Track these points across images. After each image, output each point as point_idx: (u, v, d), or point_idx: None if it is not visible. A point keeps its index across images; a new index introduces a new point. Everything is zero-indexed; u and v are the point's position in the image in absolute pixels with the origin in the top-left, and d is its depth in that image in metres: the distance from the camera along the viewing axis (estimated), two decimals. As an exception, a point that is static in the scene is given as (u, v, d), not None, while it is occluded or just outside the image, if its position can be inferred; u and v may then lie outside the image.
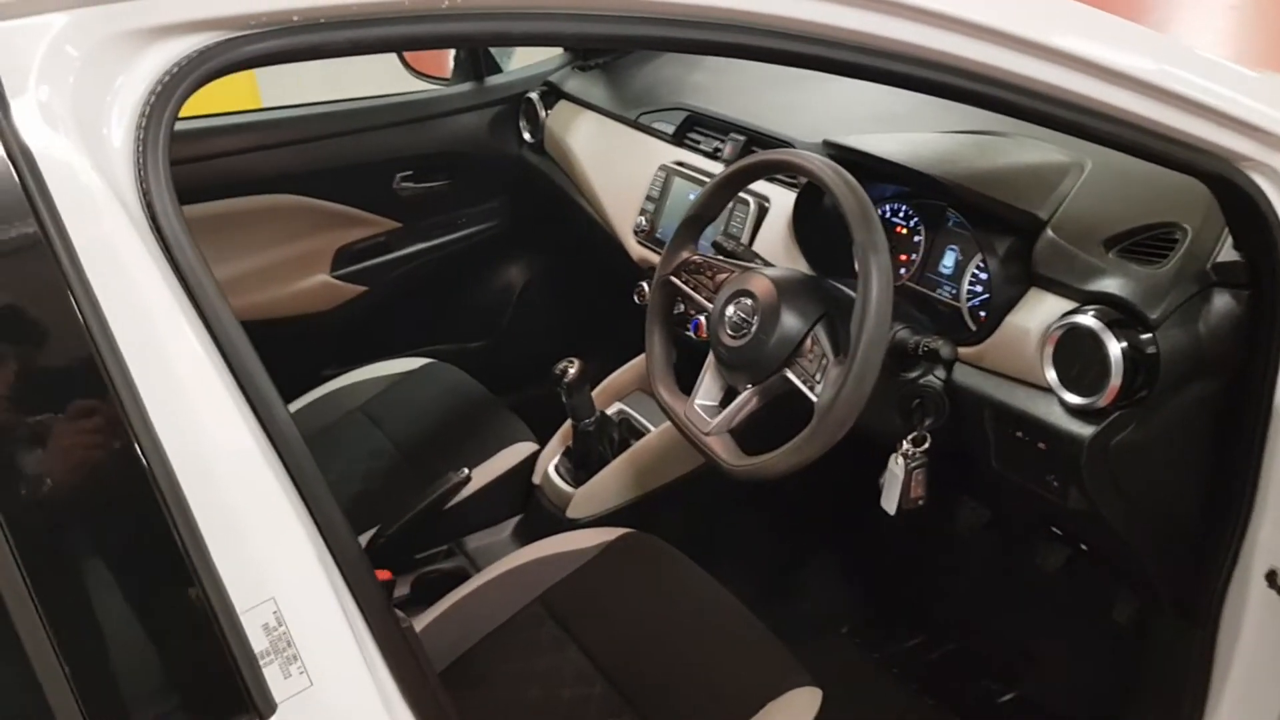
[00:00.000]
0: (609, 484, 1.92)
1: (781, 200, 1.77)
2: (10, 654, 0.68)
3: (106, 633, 0.73)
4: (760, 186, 1.81)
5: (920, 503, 1.44)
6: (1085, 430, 1.28)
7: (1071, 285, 1.31)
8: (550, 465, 1.98)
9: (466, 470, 1.87)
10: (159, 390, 0.74)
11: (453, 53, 2.53)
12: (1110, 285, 1.27)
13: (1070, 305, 1.31)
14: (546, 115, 2.44)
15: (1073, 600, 1.83)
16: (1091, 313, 1.25)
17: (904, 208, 1.64)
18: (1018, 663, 1.97)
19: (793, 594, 2.20)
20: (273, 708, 0.76)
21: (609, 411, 2.07)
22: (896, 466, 1.43)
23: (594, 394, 2.08)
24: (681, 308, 1.73)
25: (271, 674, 0.77)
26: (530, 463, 2.02)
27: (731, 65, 2.17)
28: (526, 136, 2.51)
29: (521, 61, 2.64)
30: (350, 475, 2.02)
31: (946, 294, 1.56)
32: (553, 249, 2.68)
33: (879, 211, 1.66)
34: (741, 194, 1.80)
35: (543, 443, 2.06)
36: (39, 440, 0.71)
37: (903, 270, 1.63)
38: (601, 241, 2.20)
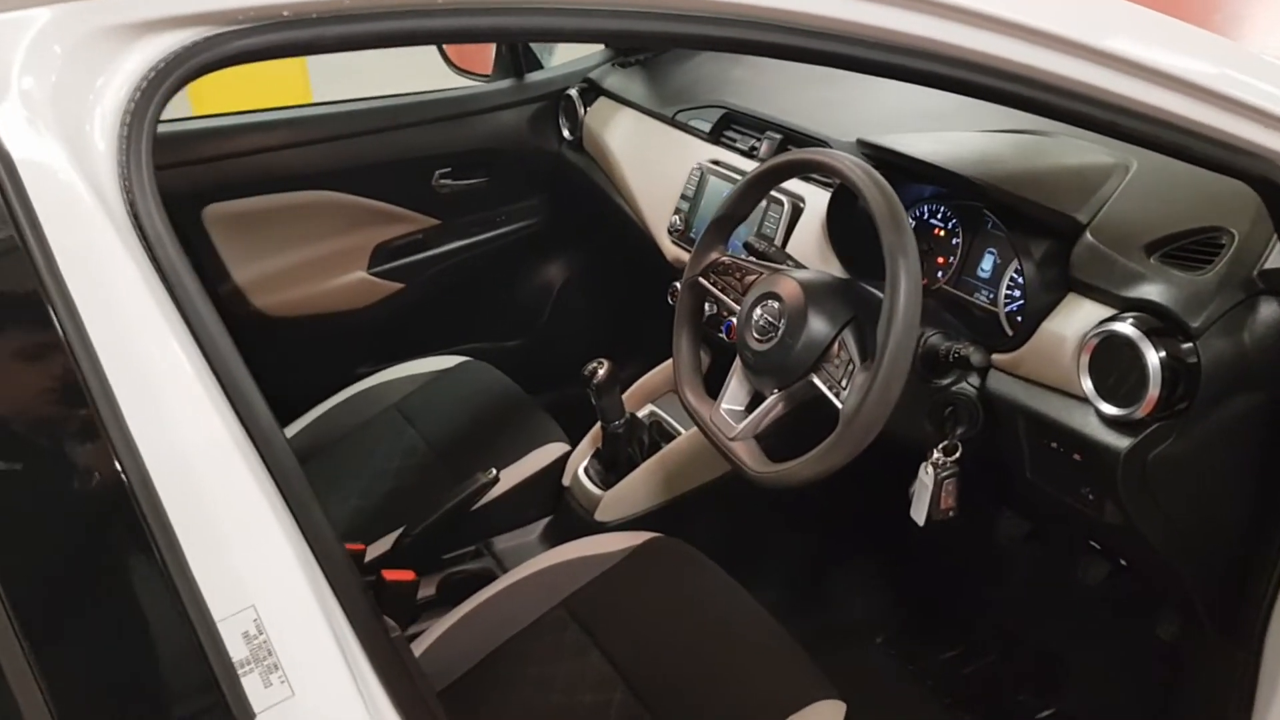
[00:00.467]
0: (637, 487, 1.89)
1: (816, 201, 1.73)
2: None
3: (79, 641, 0.71)
4: (795, 186, 1.77)
5: (951, 514, 1.41)
6: (1122, 442, 1.23)
7: (1110, 291, 1.26)
8: (580, 467, 1.96)
9: (495, 471, 1.85)
10: (136, 393, 0.72)
11: (494, 48, 2.52)
12: (1150, 292, 1.22)
13: (1109, 312, 1.26)
14: (585, 112, 2.42)
15: (1115, 615, 1.78)
16: (1130, 320, 1.20)
17: (942, 209, 1.60)
18: (1057, 678, 1.91)
19: (826, 602, 2.16)
20: (251, 716, 0.75)
21: (640, 413, 2.04)
22: (926, 476, 1.40)
23: (626, 395, 2.05)
24: (715, 309, 1.70)
25: (251, 683, 0.75)
26: (561, 464, 2.00)
27: (769, 62, 2.13)
28: (566, 134, 2.49)
29: (564, 58, 2.62)
30: (383, 473, 2.01)
31: (984, 298, 1.52)
32: (591, 248, 2.66)
33: (916, 213, 1.62)
34: (776, 194, 1.77)
35: (576, 444, 2.04)
36: (11, 443, 0.69)
37: (940, 273, 1.59)
38: (638, 241, 2.18)
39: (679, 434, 1.98)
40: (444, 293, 2.52)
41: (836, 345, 1.28)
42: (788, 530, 2.10)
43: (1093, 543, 1.53)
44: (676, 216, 2.01)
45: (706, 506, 1.93)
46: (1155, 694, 1.68)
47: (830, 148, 1.72)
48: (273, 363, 2.35)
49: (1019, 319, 1.44)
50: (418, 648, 1.53)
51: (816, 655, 1.49)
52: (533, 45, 2.54)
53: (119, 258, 0.74)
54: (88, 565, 0.72)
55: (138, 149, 0.76)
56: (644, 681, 1.44)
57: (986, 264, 1.52)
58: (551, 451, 2.00)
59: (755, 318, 1.36)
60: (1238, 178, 1.10)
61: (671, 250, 2.03)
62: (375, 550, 1.83)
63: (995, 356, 1.39)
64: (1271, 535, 1.26)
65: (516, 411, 2.12)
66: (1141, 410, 1.19)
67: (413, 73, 2.54)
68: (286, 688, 0.76)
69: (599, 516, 1.89)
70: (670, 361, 2.05)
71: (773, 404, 1.35)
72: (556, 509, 1.99)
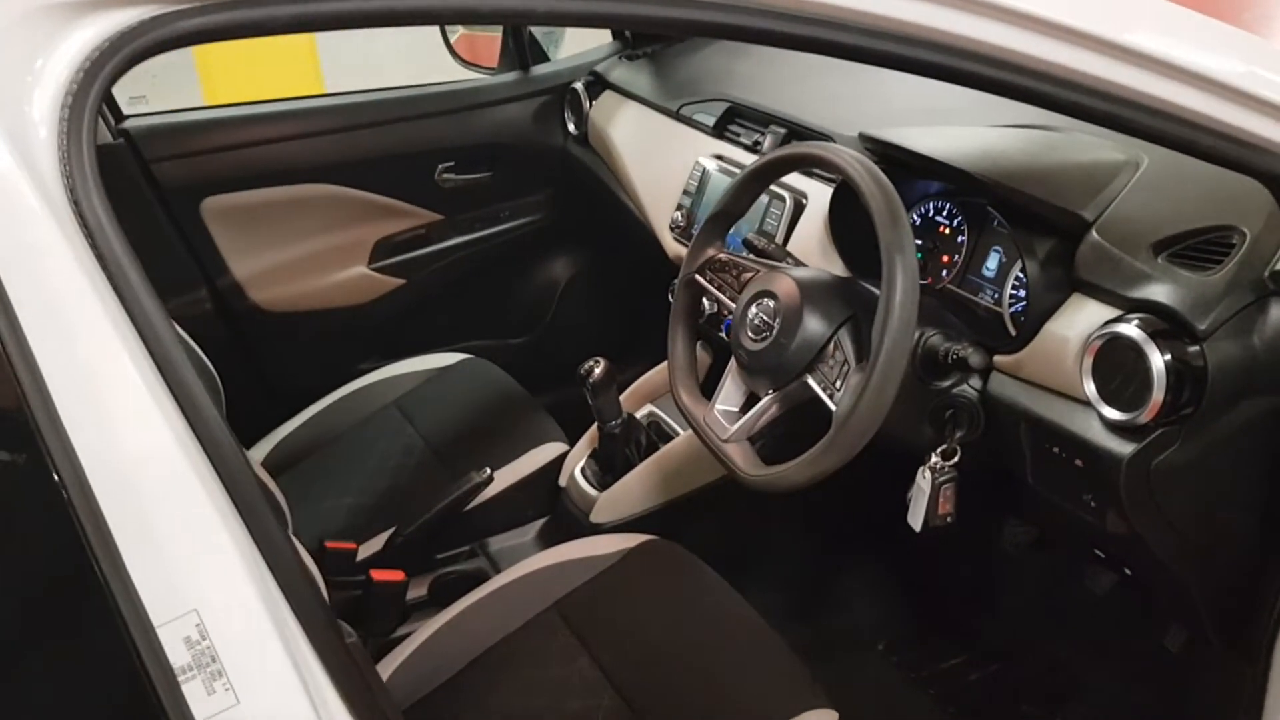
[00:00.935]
0: (634, 489, 1.86)
1: (820, 197, 1.69)
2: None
3: (5, 647, 0.68)
4: (798, 182, 1.74)
5: (949, 520, 1.37)
6: (1125, 448, 1.18)
7: (1115, 292, 1.22)
8: (577, 467, 1.93)
9: (489, 470, 1.83)
10: (71, 387, 0.69)
11: (499, 41, 2.49)
12: (1157, 292, 1.17)
13: (1114, 313, 1.21)
14: (591, 106, 2.38)
15: (1123, 624, 1.74)
16: (1135, 322, 1.15)
17: (948, 206, 1.56)
18: (1063, 688, 1.87)
19: (826, 608, 2.12)
20: None
21: (639, 413, 2.01)
22: (924, 480, 1.36)
23: (626, 395, 2.02)
24: (716, 308, 1.67)
25: (192, 690, 0.72)
26: (559, 464, 1.96)
27: (778, 54, 2.09)
28: (571, 128, 2.46)
29: (570, 51, 2.59)
30: (380, 471, 1.98)
31: (988, 298, 1.48)
32: (598, 245, 2.62)
33: (921, 210, 1.58)
34: (778, 190, 1.73)
35: (576, 444, 2.01)
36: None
37: (944, 272, 1.55)
38: (643, 238, 2.14)
39: (678, 435, 1.94)
40: (446, 289, 2.49)
41: (832, 345, 1.25)
42: (788, 534, 2.06)
43: (1097, 551, 1.48)
44: (679, 212, 1.97)
45: (704, 509, 1.89)
46: (1163, 706, 1.64)
47: (834, 142, 1.69)
48: (272, 358, 2.37)
49: (1022, 320, 1.39)
50: (406, 649, 1.50)
51: (815, 662, 1.46)
52: (539, 38, 2.51)
53: (58, 249, 0.71)
54: (14, 568, 0.69)
55: (79, 134, 0.72)
56: (633, 688, 1.42)
57: (992, 263, 1.48)
58: (549, 451, 1.97)
59: (750, 316, 1.33)
60: (1252, 175, 1.05)
61: (673, 247, 2.00)
62: (368, 549, 1.81)
63: (998, 358, 1.35)
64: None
65: (516, 410, 2.09)
66: (1145, 415, 1.14)
67: (427, 70, 2.51)
68: (231, 695, 0.74)
69: (594, 518, 1.86)
70: (669, 362, 2.03)
71: (767, 405, 1.32)
72: (553, 510, 1.96)
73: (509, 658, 1.48)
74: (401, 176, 2.36)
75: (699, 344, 2.03)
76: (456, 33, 2.58)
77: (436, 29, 2.49)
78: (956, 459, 1.35)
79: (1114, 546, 1.42)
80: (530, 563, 1.62)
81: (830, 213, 1.64)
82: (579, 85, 2.42)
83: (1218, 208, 1.23)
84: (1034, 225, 1.34)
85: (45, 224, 0.70)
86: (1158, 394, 1.12)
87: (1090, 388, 1.20)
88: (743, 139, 1.94)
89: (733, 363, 1.39)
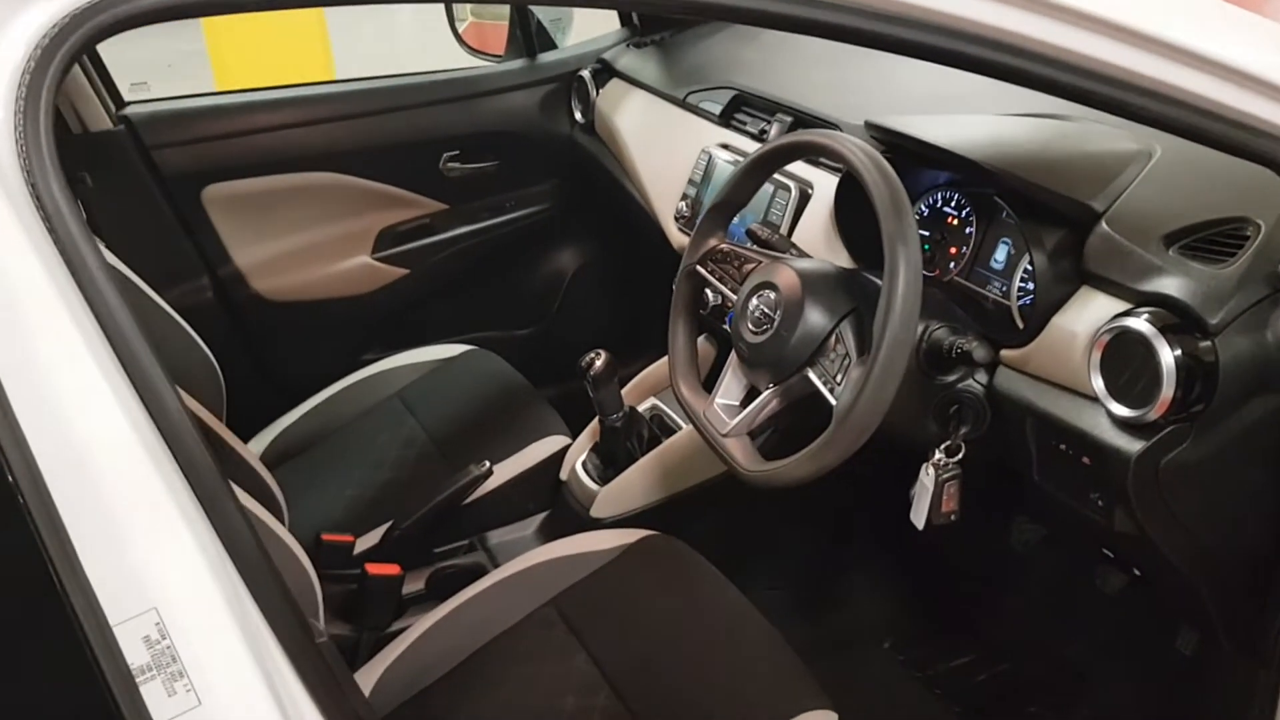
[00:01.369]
0: (635, 483, 1.83)
1: (826, 187, 1.66)
2: None
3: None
4: (804, 171, 1.70)
5: (953, 518, 1.34)
6: (1133, 446, 1.15)
7: (1125, 285, 1.18)
8: (578, 461, 1.90)
9: (488, 463, 1.80)
10: (23, 375, 0.67)
11: (506, 27, 2.46)
12: (1168, 286, 1.14)
13: (1123, 306, 1.18)
14: (598, 94, 2.35)
15: (1133, 625, 1.70)
16: (1144, 316, 1.12)
17: (956, 196, 1.52)
18: (1072, 689, 1.83)
19: (831, 605, 2.09)
20: None
21: (641, 407, 1.97)
22: (927, 478, 1.33)
23: (629, 388, 1.99)
24: (720, 300, 1.64)
25: (152, 692, 0.70)
26: (561, 457, 1.94)
27: (785, 41, 2.07)
28: (578, 116, 2.43)
29: (578, 38, 2.56)
30: (381, 463, 1.97)
31: (997, 291, 1.44)
32: (605, 235, 2.59)
33: (930, 200, 1.55)
34: (783, 179, 1.70)
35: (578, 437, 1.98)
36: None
37: (952, 264, 1.52)
38: (649, 228, 2.11)
39: (680, 429, 1.91)
40: (451, 280, 2.47)
41: (833, 339, 1.22)
42: (791, 531, 2.03)
43: (1106, 551, 1.44)
44: (684, 202, 1.94)
45: (706, 505, 1.86)
46: (1174, 710, 1.60)
47: (840, 131, 1.65)
48: (274, 348, 2.35)
49: (1030, 313, 1.36)
50: (402, 643, 1.48)
51: (820, 660, 1.44)
52: (546, 26, 2.48)
53: (13, 234, 0.68)
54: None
55: (35, 117, 0.70)
56: (629, 686, 1.39)
57: (1000, 255, 1.45)
58: (551, 444, 1.94)
59: (751, 308, 1.31)
60: (1267, 165, 1.01)
61: (678, 238, 1.97)
62: (366, 542, 1.79)
63: (1005, 353, 1.32)
64: (1294, 548, 1.17)
65: (519, 403, 2.07)
66: (1155, 412, 1.11)
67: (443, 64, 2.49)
68: (193, 696, 0.71)
69: (595, 513, 1.83)
70: (673, 354, 2.00)
71: (767, 399, 1.30)
72: (554, 504, 1.93)
73: (505, 654, 1.46)
74: (406, 165, 2.33)
75: (703, 336, 2.01)
76: (465, 21, 2.56)
77: (447, 21, 2.47)
78: (961, 455, 1.32)
79: (1122, 546, 1.39)
80: (528, 557, 1.59)
81: (836, 203, 1.61)
82: (586, 73, 2.39)
83: (1231, 199, 1.19)
84: (1042, 216, 1.31)
85: (1, 209, 0.68)
86: (1167, 390, 1.09)
87: (1098, 383, 1.17)
88: (749, 127, 1.91)
89: (733, 356, 1.37)
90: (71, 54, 0.70)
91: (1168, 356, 1.08)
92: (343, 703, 0.81)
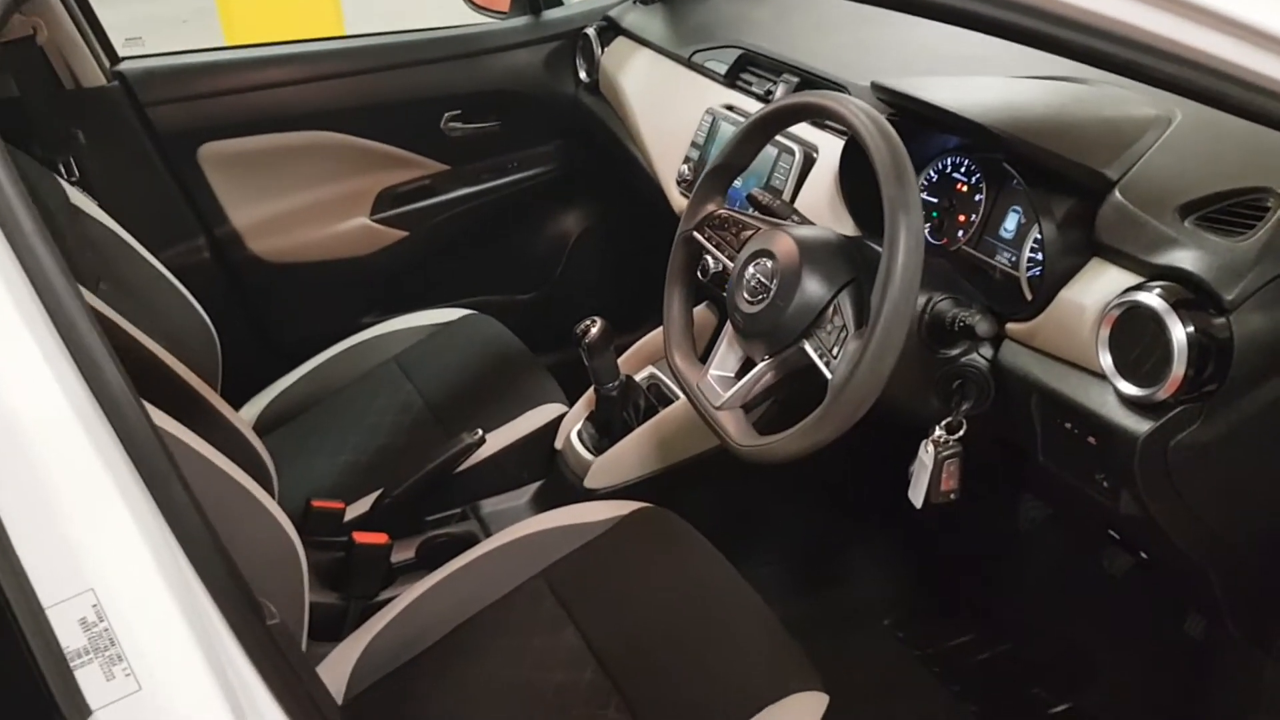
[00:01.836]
0: (630, 454, 1.79)
1: (832, 151, 1.60)
2: None
3: None
4: (809, 134, 1.65)
5: (952, 496, 1.30)
6: (1141, 426, 1.10)
7: (1137, 257, 1.13)
8: (573, 430, 1.86)
9: (480, 432, 1.77)
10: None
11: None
12: (1182, 259, 1.08)
13: (1135, 280, 1.12)
14: (603, 52, 2.29)
15: (1142, 608, 1.66)
16: (1156, 290, 1.06)
17: (966, 162, 1.47)
18: (1076, 671, 1.80)
19: (830, 581, 2.05)
20: (86, 712, 0.66)
21: (639, 376, 1.93)
22: (926, 455, 1.29)
23: (626, 356, 1.95)
24: (720, 267, 1.59)
25: (89, 676, 0.66)
26: (557, 425, 1.90)
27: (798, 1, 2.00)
28: (583, 76, 2.37)
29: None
30: (376, 428, 1.94)
31: (1005, 261, 1.39)
32: (609, 198, 2.54)
33: (938, 165, 1.50)
34: (787, 142, 1.65)
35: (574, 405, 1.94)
36: None
37: (960, 232, 1.46)
38: (653, 191, 2.05)
39: (678, 399, 1.87)
40: (451, 242, 2.43)
41: (831, 309, 1.18)
42: (791, 505, 1.99)
43: (1112, 533, 1.40)
44: (686, 165, 1.88)
45: (702, 477, 1.82)
46: (1182, 695, 1.56)
47: (847, 92, 1.60)
48: (271, 310, 2.31)
49: (1038, 285, 1.30)
50: (389, 613, 1.46)
51: (817, 636, 1.41)
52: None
53: None
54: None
55: None
56: (616, 662, 1.37)
57: (1010, 224, 1.39)
58: (547, 412, 1.90)
59: (747, 277, 1.27)
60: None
61: (680, 201, 1.91)
62: (357, 509, 1.76)
63: (1011, 326, 1.27)
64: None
65: (517, 369, 2.03)
66: (1164, 391, 1.05)
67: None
68: (133, 681, 0.68)
69: (588, 483, 1.79)
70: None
71: (762, 372, 1.26)
72: (548, 473, 1.89)
73: (493, 626, 1.44)
74: (406, 124, 2.29)
75: (704, 304, 1.96)
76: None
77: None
78: (961, 433, 1.27)
79: (1128, 529, 1.34)
80: (519, 528, 1.57)
81: (841, 168, 1.55)
82: (591, 31, 2.33)
83: (1253, 168, 1.14)
84: (1053, 184, 1.25)
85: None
86: (1178, 368, 1.04)
87: (1106, 360, 1.12)
88: (754, 88, 1.85)
89: (728, 326, 1.33)
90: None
91: (1179, 333, 1.03)
92: (296, 687, 0.77)
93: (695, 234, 1.40)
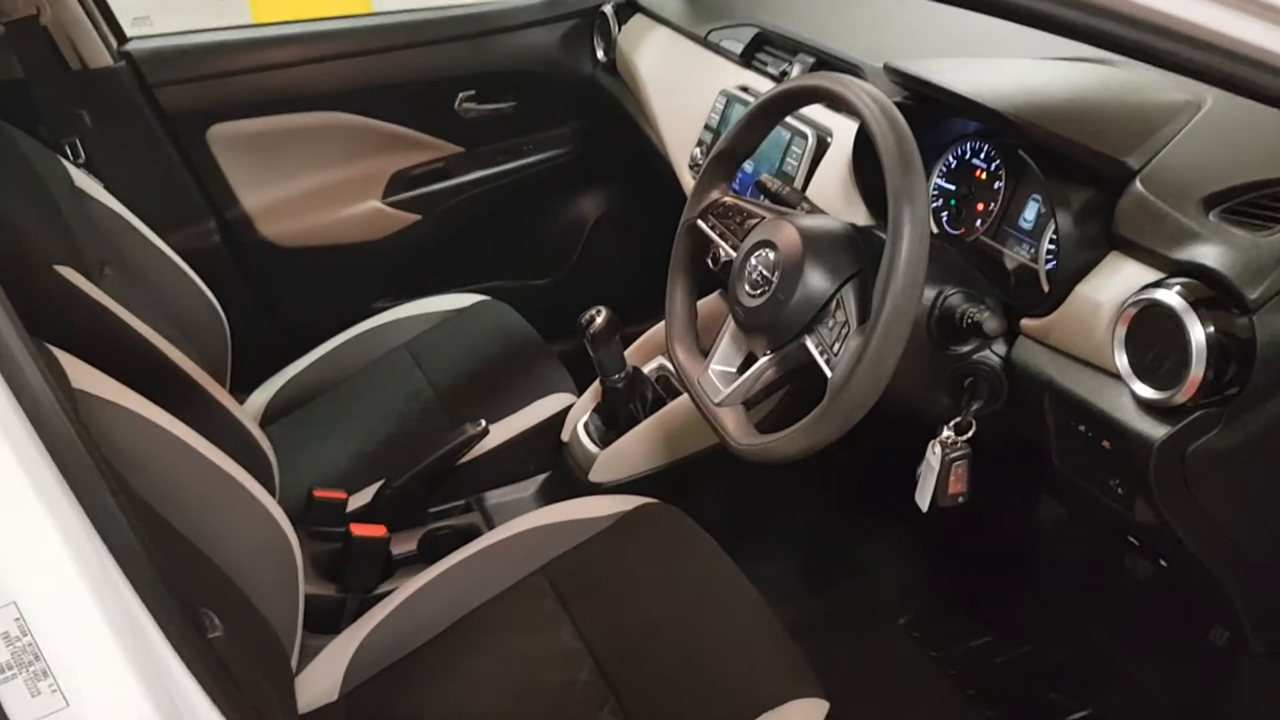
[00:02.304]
0: (635, 447, 1.74)
1: (846, 135, 1.54)
2: None
3: None
4: (823, 117, 1.59)
5: (961, 500, 1.25)
6: (1157, 430, 1.04)
7: (1157, 252, 1.06)
8: (580, 422, 1.82)
9: (484, 422, 1.73)
10: None
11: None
12: (1204, 254, 1.02)
13: (1154, 276, 1.06)
14: (620, 31, 2.24)
15: (1164, 613, 1.60)
16: (1176, 287, 1.00)
17: (986, 148, 1.40)
18: (1097, 676, 1.74)
19: (842, 580, 1.99)
20: None
21: (648, 367, 1.88)
22: (933, 456, 1.24)
23: (634, 347, 1.90)
24: (729, 256, 1.55)
25: (12, 691, 0.64)
26: (564, 416, 1.86)
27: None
28: (600, 55, 2.33)
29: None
30: (384, 417, 1.91)
31: (1024, 253, 1.33)
32: (627, 182, 2.50)
33: (956, 151, 1.44)
34: (799, 126, 1.59)
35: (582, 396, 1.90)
36: None
37: (978, 222, 1.40)
38: (667, 176, 2.00)
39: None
40: (465, 226, 2.40)
41: (834, 304, 1.14)
42: (801, 501, 1.94)
43: (1130, 539, 1.34)
44: (699, 148, 1.83)
45: (710, 472, 1.77)
46: (1205, 704, 1.51)
47: (861, 74, 1.54)
48: (281, 295, 2.29)
49: (1055, 279, 1.24)
50: (386, 607, 1.43)
51: (829, 636, 1.37)
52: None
53: None
54: None
55: None
56: (614, 662, 1.33)
57: (1030, 213, 1.33)
58: (556, 403, 1.87)
59: (748, 269, 1.22)
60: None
61: (691, 186, 1.86)
62: (359, 499, 1.73)
63: (1025, 322, 1.21)
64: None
65: (528, 357, 2.00)
66: (1183, 394, 0.99)
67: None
68: (59, 697, 0.65)
69: (593, 477, 1.75)
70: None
71: (764, 367, 1.22)
72: (555, 465, 1.86)
73: (490, 623, 1.41)
74: (419, 105, 2.26)
75: (716, 293, 1.91)
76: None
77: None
78: (971, 434, 1.22)
79: (1146, 536, 1.28)
80: (520, 522, 1.53)
81: (855, 153, 1.50)
82: (608, 8, 2.28)
83: (1281, 159, 1.07)
84: (1070, 173, 1.19)
85: None
86: (1197, 370, 0.97)
87: (1122, 360, 1.06)
88: (769, 68, 1.80)
89: (730, 319, 1.28)
90: None
91: (1198, 333, 0.97)
92: (239, 701, 0.74)
93: (699, 223, 1.36)
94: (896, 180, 1.03)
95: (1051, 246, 1.28)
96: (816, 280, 1.14)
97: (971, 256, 1.36)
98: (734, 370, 1.29)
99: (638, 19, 2.23)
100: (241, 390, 1.98)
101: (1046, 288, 1.28)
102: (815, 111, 1.59)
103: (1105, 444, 1.11)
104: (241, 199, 2.16)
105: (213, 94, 2.08)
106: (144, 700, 0.67)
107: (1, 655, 0.64)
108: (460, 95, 2.28)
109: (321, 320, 2.16)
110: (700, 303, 1.87)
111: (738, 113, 1.76)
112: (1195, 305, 0.98)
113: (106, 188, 1.75)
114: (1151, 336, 1.02)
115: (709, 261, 1.44)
